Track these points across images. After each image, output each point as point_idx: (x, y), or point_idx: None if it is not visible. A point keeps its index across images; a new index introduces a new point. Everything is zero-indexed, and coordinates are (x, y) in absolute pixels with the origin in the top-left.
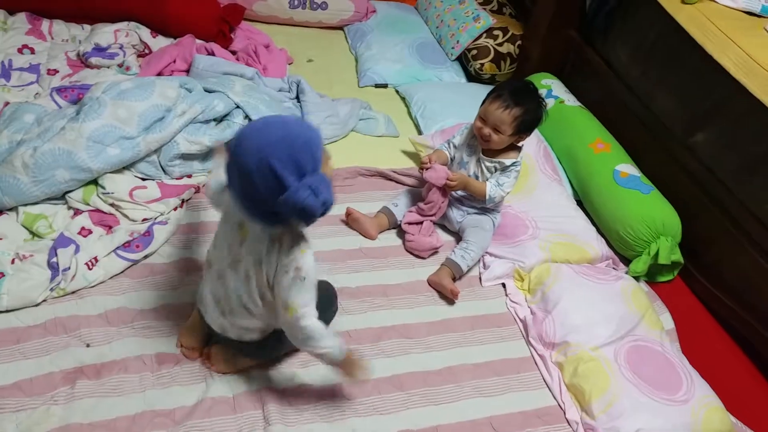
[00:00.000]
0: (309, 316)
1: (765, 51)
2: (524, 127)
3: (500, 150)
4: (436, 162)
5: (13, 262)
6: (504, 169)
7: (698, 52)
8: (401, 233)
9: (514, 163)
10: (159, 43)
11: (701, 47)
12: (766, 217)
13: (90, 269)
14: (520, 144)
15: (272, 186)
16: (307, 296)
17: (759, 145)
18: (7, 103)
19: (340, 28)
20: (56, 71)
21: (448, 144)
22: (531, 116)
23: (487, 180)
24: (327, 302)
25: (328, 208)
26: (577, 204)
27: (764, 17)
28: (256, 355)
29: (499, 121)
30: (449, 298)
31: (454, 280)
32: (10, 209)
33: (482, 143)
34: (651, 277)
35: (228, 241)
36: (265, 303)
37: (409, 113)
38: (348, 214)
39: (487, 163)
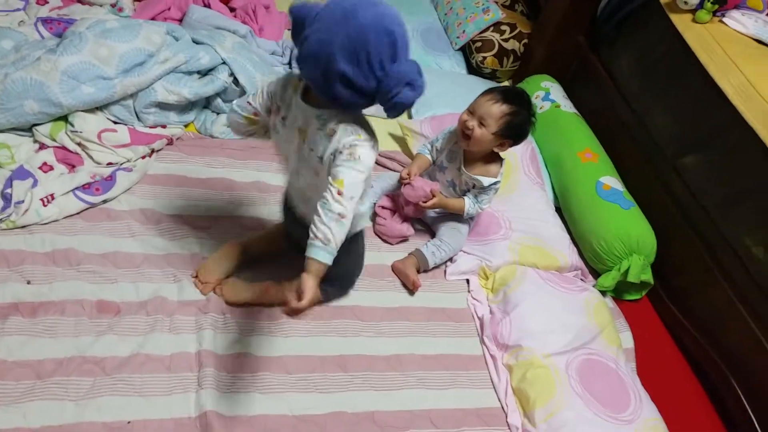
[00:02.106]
0: (351, 203)
1: (767, 81)
2: (509, 130)
3: (482, 161)
4: (416, 175)
5: None
6: (483, 188)
7: (700, 74)
8: (373, 215)
9: (495, 182)
10: None
11: (704, 69)
12: (743, 252)
13: (44, 206)
14: (502, 155)
15: (386, 52)
16: (357, 180)
17: (747, 178)
18: None
19: None
20: (46, 2)
21: (431, 146)
22: (518, 120)
23: (463, 191)
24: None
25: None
26: (556, 211)
27: None
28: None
29: (487, 113)
30: (410, 288)
31: (419, 272)
32: None
33: (462, 141)
34: (618, 293)
35: (292, 143)
36: None
37: None
38: None
39: (466, 178)
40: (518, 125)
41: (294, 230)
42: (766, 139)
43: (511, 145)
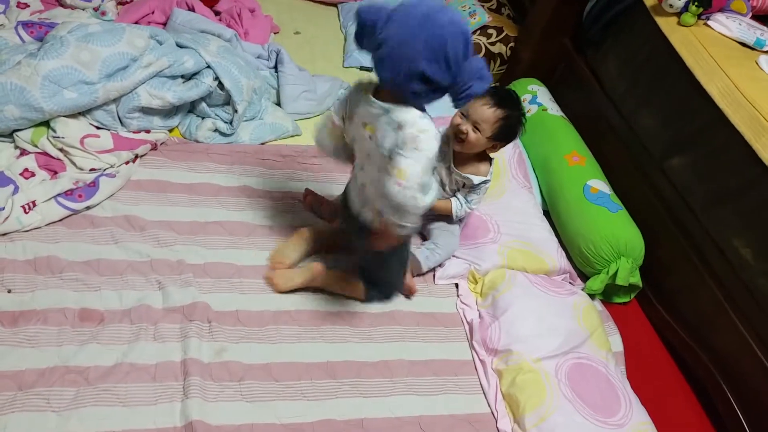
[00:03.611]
0: (415, 185)
1: (752, 84)
2: (502, 134)
3: (472, 160)
4: None
5: None
6: (473, 187)
7: (686, 76)
8: None
9: (485, 181)
10: None
11: (690, 71)
12: (730, 252)
13: (26, 213)
14: (492, 155)
15: (462, 50)
16: (418, 170)
17: (732, 178)
18: None
19: (335, 4)
20: (27, 5)
21: None
22: (511, 124)
23: (453, 191)
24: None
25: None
26: (544, 214)
27: (757, 50)
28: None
29: (482, 118)
30: (405, 293)
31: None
32: None
33: (456, 143)
34: (607, 296)
35: (359, 138)
36: None
37: None
38: (306, 195)
39: (456, 177)
40: (511, 127)
41: (348, 227)
42: (750, 141)
43: (502, 146)
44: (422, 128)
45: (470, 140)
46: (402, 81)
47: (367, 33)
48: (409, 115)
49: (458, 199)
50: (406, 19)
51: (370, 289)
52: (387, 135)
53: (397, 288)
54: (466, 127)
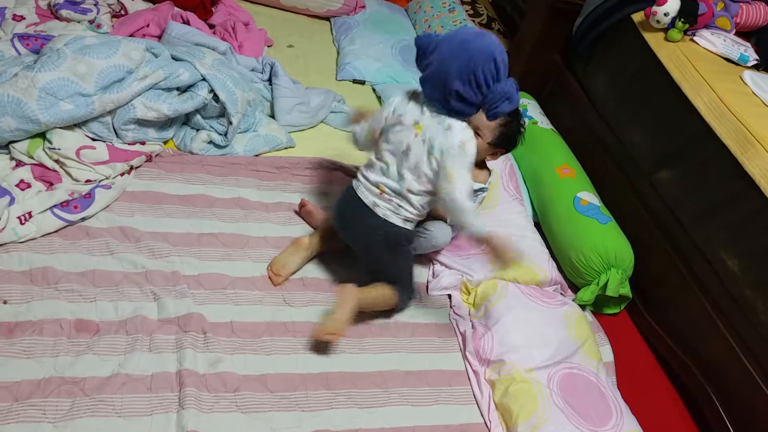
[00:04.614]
0: (464, 193)
1: (736, 98)
2: (502, 140)
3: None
4: None
5: None
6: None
7: (674, 91)
8: None
9: (482, 188)
10: (136, 5)
11: (677, 86)
12: (718, 263)
13: (22, 224)
14: (491, 162)
15: (491, 74)
16: (465, 175)
17: (719, 191)
18: None
19: (327, 18)
20: (22, 18)
21: None
22: (511, 130)
23: None
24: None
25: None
26: (535, 226)
27: (741, 65)
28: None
29: (483, 124)
30: None
31: None
32: None
33: None
34: (597, 307)
35: (400, 137)
36: (420, 187)
37: None
38: (302, 205)
39: None
40: (511, 134)
41: (349, 238)
42: (736, 154)
43: (503, 153)
44: (470, 136)
45: None
46: (440, 98)
47: (419, 57)
48: (456, 122)
49: None
50: (448, 45)
51: (397, 291)
52: (437, 134)
53: (412, 285)
54: None
